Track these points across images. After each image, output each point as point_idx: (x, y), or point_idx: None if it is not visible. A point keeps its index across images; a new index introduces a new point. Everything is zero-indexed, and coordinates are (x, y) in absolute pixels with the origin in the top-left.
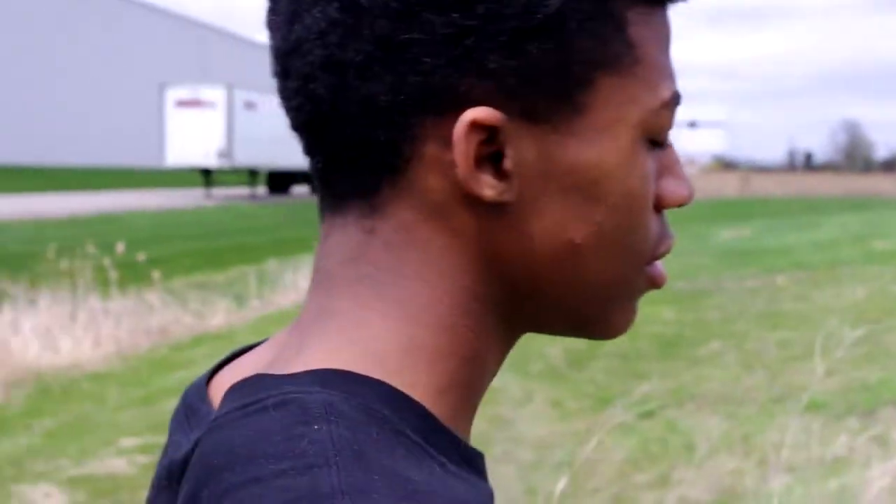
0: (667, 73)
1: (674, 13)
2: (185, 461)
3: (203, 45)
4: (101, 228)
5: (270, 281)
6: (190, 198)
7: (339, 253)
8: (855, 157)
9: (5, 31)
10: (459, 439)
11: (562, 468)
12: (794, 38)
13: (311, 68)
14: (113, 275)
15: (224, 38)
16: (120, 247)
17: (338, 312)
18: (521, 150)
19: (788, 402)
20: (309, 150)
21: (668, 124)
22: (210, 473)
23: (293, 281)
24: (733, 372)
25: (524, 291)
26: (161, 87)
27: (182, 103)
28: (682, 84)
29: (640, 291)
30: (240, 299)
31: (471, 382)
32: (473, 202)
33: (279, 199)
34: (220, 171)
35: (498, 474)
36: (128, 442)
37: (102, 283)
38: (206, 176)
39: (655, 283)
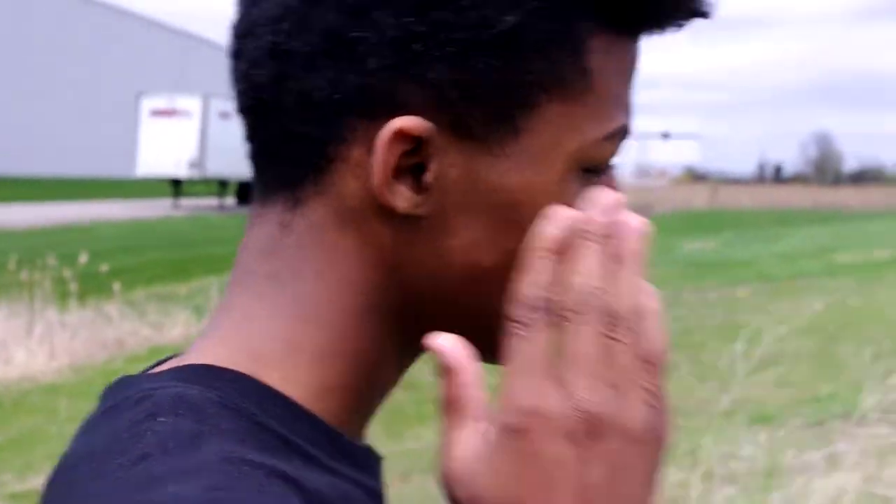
0: (620, 105)
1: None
2: None
3: (183, 53)
4: (66, 238)
5: None
6: (158, 208)
7: (255, 246)
8: (825, 170)
9: None
10: (338, 433)
11: None
12: (770, 50)
13: (259, 53)
14: (73, 286)
15: (204, 46)
16: (83, 257)
17: (234, 308)
18: (445, 166)
19: (739, 415)
20: (248, 135)
21: (609, 156)
22: (61, 474)
23: None
24: (687, 384)
25: (424, 306)
26: (138, 95)
27: (157, 112)
28: (656, 95)
29: None
30: (200, 311)
31: (360, 386)
32: (386, 212)
33: (248, 211)
34: (190, 182)
35: None
36: None
37: (62, 295)
38: (176, 186)
39: None
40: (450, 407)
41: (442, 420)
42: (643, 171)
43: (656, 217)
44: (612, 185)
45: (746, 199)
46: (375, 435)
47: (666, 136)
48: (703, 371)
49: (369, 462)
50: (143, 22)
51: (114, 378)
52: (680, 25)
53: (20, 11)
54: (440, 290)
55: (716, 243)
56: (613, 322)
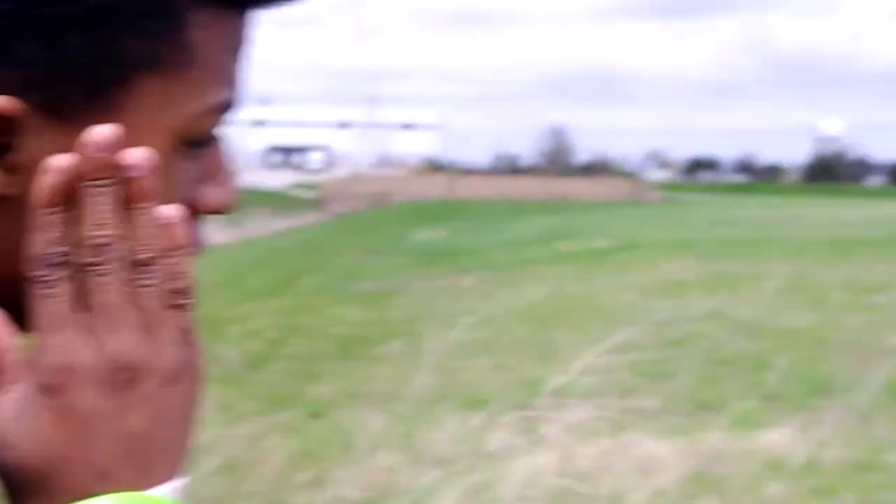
0: (223, 79)
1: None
2: None
3: None
4: None
5: None
6: None
7: None
8: (557, 162)
9: None
10: None
11: (219, 472)
12: (514, 45)
13: None
14: None
15: None
16: None
17: None
18: (36, 146)
19: (451, 400)
20: None
21: (210, 129)
22: None
23: None
24: (406, 371)
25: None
26: None
27: None
28: (398, 87)
29: None
30: None
31: None
32: None
33: None
34: None
35: None
36: None
37: None
38: None
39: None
40: None
41: None
42: (384, 161)
43: (392, 207)
44: (219, 157)
45: (482, 189)
46: None
47: (408, 126)
48: (419, 358)
49: None
50: None
51: None
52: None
53: None
54: (14, 274)
55: (447, 233)
56: (134, 266)
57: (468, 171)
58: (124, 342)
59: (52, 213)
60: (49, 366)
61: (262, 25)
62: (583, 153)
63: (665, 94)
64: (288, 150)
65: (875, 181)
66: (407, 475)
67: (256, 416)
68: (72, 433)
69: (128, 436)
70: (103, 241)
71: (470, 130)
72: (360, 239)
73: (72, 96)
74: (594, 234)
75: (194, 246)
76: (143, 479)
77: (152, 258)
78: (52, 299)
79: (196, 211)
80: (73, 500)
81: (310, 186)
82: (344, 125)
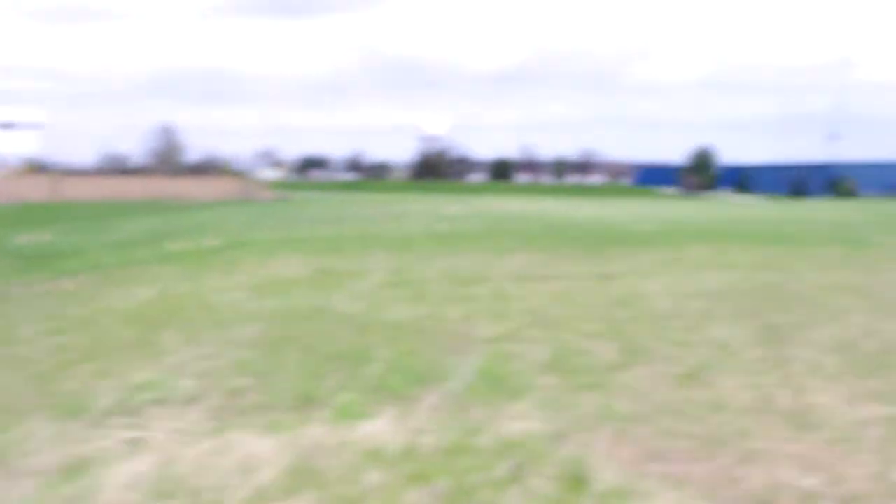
0: None
1: None
2: None
3: None
4: None
5: None
6: None
7: None
8: (167, 161)
9: None
10: None
11: None
12: (120, 41)
13: None
14: None
15: None
16: None
17: None
18: None
19: (49, 409)
20: None
21: None
22: None
23: None
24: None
25: None
26: None
27: None
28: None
29: None
30: None
31: None
32: None
33: None
34: None
35: None
36: None
37: None
38: None
39: None
40: None
41: None
42: None
43: None
44: None
45: (89, 190)
46: None
47: (7, 126)
48: (16, 366)
49: None
50: None
51: None
52: None
53: None
54: None
55: (50, 235)
56: None
57: (74, 172)
58: None
59: None
60: None
61: None
62: (193, 153)
63: (276, 94)
64: None
65: (476, 177)
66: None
67: None
68: None
69: None
70: None
71: (76, 130)
72: None
73: None
74: (204, 234)
75: None
76: None
77: None
78: None
79: None
80: None
81: None
82: None
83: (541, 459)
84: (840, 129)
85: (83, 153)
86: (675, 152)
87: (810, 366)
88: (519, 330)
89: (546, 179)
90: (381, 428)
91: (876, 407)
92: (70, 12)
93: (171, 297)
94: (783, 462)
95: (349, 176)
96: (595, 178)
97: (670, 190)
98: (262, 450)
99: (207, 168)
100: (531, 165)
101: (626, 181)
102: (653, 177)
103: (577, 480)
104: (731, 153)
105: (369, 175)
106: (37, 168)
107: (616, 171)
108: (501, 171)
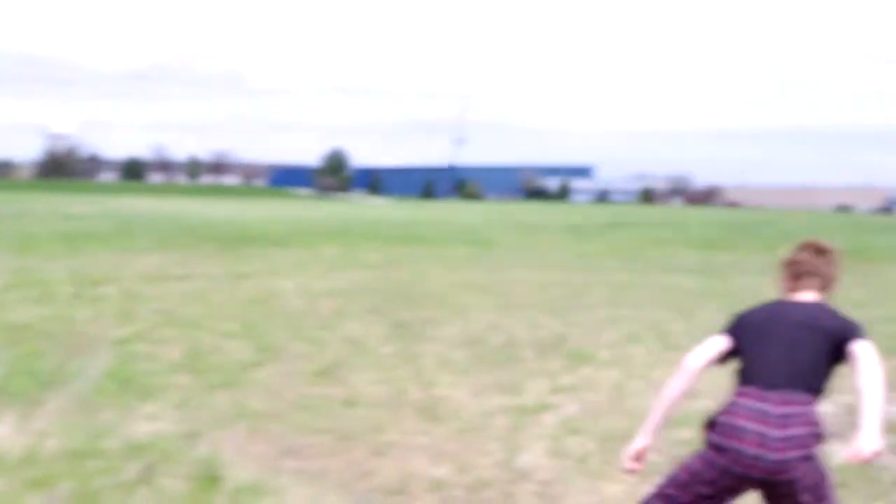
0: None
1: None
2: None
3: None
4: None
5: None
6: None
7: None
8: None
9: None
10: None
11: None
12: None
13: None
14: None
15: None
16: None
17: None
18: None
19: None
20: None
21: None
22: None
23: None
24: None
25: None
26: None
27: None
28: None
29: None
30: None
31: None
32: None
33: None
34: None
35: None
36: None
37: None
38: None
39: None
40: None
41: None
42: None
43: None
44: None
45: None
46: None
47: None
48: None
49: None
50: None
51: None
52: None
53: None
54: None
55: None
56: None
57: None
58: None
59: None
60: None
61: None
62: None
63: None
64: None
65: (107, 177)
66: None
67: None
68: None
69: None
70: None
71: None
72: None
73: None
74: None
75: None
76: None
77: None
78: None
79: None
80: None
81: None
82: None
83: (172, 459)
84: (464, 134)
85: None
86: (309, 154)
87: (439, 360)
88: (151, 330)
89: (180, 180)
90: (2, 432)
91: (501, 398)
92: None
93: None
94: (415, 453)
95: None
96: (230, 179)
97: (305, 191)
98: None
99: None
100: (165, 165)
101: (260, 182)
102: (288, 178)
103: (210, 479)
104: (364, 156)
105: None
106: None
107: (251, 172)
108: (134, 170)
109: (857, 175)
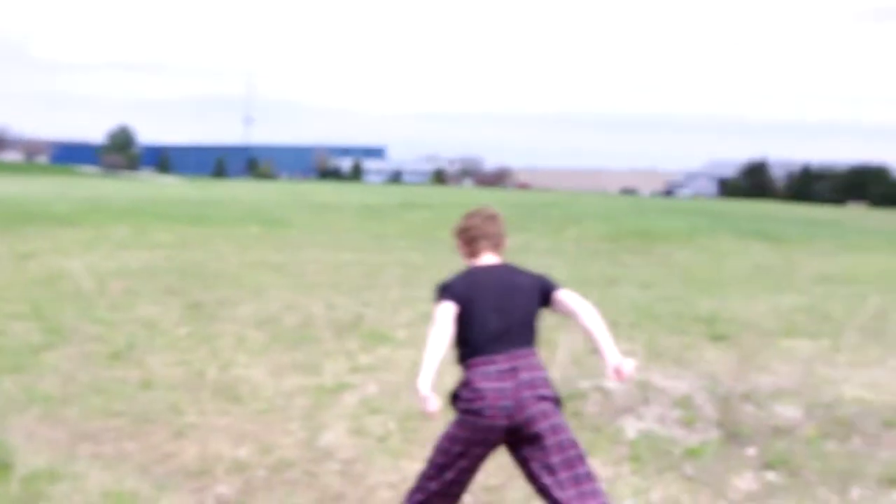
0: None
1: None
2: None
3: None
4: None
5: None
6: None
7: None
8: None
9: None
10: None
11: None
12: None
13: None
14: None
15: None
16: None
17: None
18: None
19: None
20: None
21: None
22: None
23: None
24: None
25: None
26: None
27: None
28: None
29: None
30: None
31: None
32: None
33: None
34: None
35: None
36: None
37: None
38: None
39: None
40: None
41: None
42: None
43: None
44: None
45: None
46: None
47: None
48: None
49: None
50: None
51: None
52: None
53: None
54: None
55: None
56: None
57: None
58: None
59: None
60: None
61: None
62: None
63: None
64: None
65: None
66: None
67: None
68: None
69: None
70: None
71: None
72: None
73: None
74: None
75: None
76: None
77: None
78: None
79: None
80: None
81: None
82: None
83: None
84: (253, 112)
85: None
86: (94, 131)
87: (236, 341)
88: None
89: None
90: None
91: (299, 378)
92: None
93: None
94: (215, 435)
95: None
96: (10, 156)
97: (91, 169)
98: None
99: None
100: None
101: (43, 159)
102: (72, 155)
103: (1, 467)
104: (152, 134)
105: None
106: None
107: (32, 148)
108: None
109: (642, 160)
